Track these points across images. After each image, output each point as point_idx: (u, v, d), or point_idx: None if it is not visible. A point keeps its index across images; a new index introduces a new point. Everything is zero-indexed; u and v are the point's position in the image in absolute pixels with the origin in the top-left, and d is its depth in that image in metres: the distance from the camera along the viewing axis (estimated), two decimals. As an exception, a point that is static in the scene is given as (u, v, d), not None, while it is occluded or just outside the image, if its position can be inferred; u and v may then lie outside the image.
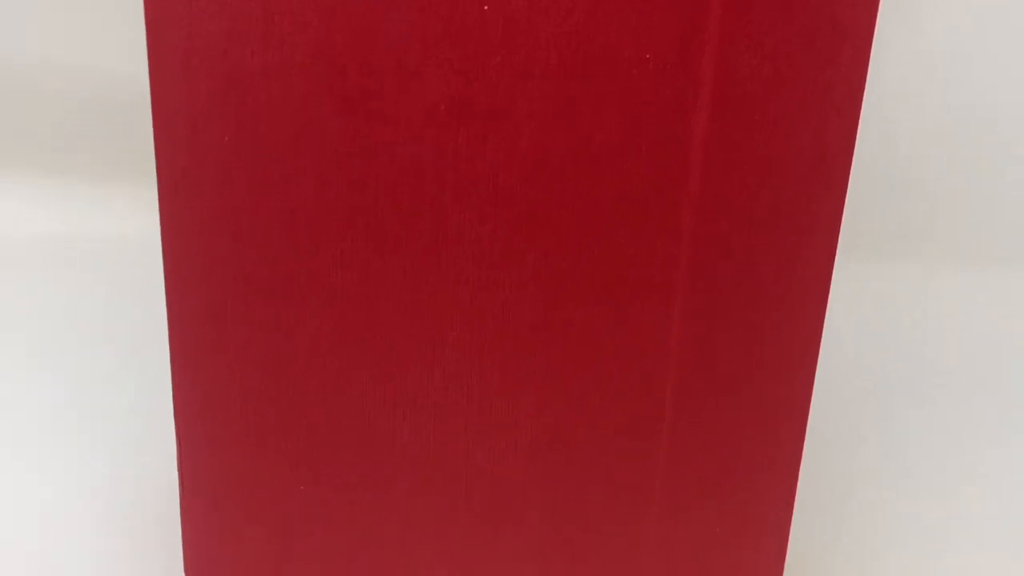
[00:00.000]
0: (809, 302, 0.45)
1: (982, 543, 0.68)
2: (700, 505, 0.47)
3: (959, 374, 0.84)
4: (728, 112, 0.40)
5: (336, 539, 0.48)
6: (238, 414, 0.46)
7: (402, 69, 0.39)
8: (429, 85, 0.39)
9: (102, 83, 0.92)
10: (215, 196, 0.42)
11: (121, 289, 0.85)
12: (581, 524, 0.47)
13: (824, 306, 0.45)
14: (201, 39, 0.40)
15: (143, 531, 0.66)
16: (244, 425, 0.46)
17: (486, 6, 0.38)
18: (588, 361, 0.44)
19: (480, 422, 0.45)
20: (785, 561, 0.49)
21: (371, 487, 0.46)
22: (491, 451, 0.45)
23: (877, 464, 0.74)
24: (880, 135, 0.88)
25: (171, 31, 0.40)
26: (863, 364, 0.83)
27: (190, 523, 0.49)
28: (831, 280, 0.45)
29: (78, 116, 0.93)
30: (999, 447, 0.76)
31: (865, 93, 0.42)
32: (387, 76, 0.40)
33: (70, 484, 0.69)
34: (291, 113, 0.40)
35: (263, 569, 0.49)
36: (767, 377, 0.45)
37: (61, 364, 0.79)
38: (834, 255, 0.44)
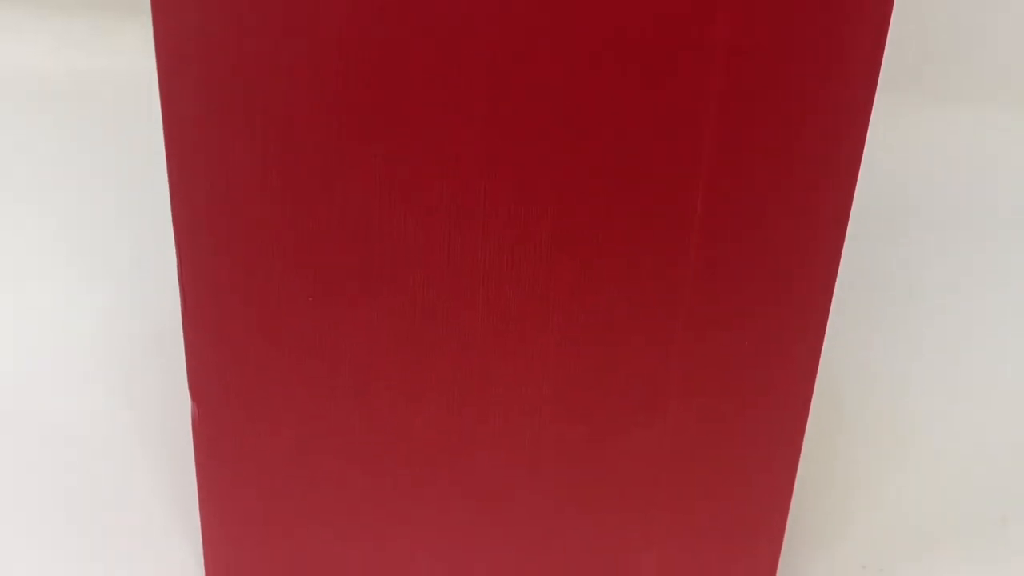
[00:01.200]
0: (846, 133, 0.43)
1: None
2: (730, 313, 0.46)
3: (993, 214, 0.82)
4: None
5: (343, 352, 0.47)
6: (240, 230, 0.44)
7: None
8: None
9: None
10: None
11: (116, 123, 0.84)
12: (605, 326, 0.46)
13: (863, 140, 0.43)
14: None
15: (143, 363, 0.66)
16: (244, 239, 0.44)
17: None
18: (611, 157, 0.42)
19: (498, 229, 0.43)
20: (814, 387, 0.48)
21: (379, 291, 0.45)
22: (511, 255, 0.44)
23: (903, 305, 0.73)
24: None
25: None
26: (896, 202, 0.81)
27: (193, 347, 0.48)
28: (871, 113, 0.43)
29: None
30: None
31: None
32: None
33: (70, 318, 0.69)
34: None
35: (271, 390, 0.48)
36: (800, 204, 0.43)
37: (59, 197, 0.78)
38: (875, 88, 0.42)
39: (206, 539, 0.53)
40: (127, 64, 0.86)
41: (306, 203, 0.43)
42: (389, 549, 0.52)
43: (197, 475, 0.51)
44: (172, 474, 0.59)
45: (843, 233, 0.45)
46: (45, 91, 0.88)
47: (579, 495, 0.50)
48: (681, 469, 0.49)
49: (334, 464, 0.50)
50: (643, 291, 0.45)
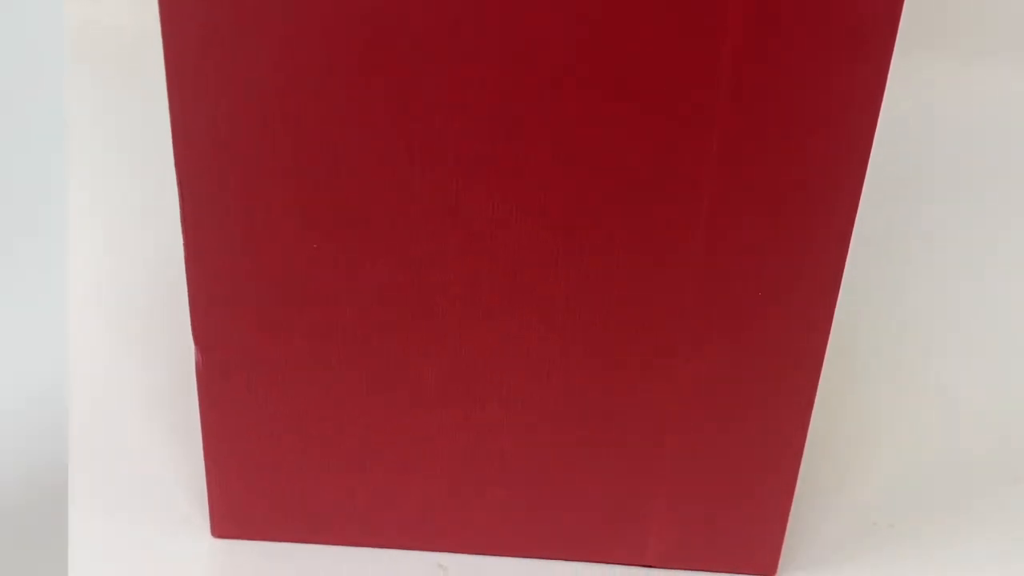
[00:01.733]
0: (856, 122, 0.42)
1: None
2: (744, 275, 0.45)
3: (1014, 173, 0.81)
4: None
5: (346, 300, 0.46)
6: (243, 177, 0.43)
7: None
8: None
9: None
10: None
11: (120, 78, 0.83)
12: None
13: (873, 129, 0.42)
14: None
15: (147, 310, 0.65)
16: (248, 188, 0.44)
17: None
18: (617, 157, 0.42)
19: (503, 174, 0.43)
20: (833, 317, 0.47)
21: (383, 241, 0.45)
22: (516, 207, 0.43)
23: (921, 262, 0.72)
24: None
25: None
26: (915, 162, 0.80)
27: (197, 295, 0.47)
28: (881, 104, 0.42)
29: None
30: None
31: None
32: None
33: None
34: None
35: (273, 338, 0.47)
36: (810, 197, 0.43)
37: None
38: (887, 75, 0.41)
39: (210, 488, 0.53)
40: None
41: (310, 151, 0.43)
42: (393, 493, 0.52)
43: (201, 423, 0.51)
44: (176, 423, 0.59)
45: (853, 214, 0.44)
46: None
47: (590, 437, 0.50)
48: (692, 418, 0.49)
49: (337, 413, 0.49)
50: (656, 250, 0.44)
